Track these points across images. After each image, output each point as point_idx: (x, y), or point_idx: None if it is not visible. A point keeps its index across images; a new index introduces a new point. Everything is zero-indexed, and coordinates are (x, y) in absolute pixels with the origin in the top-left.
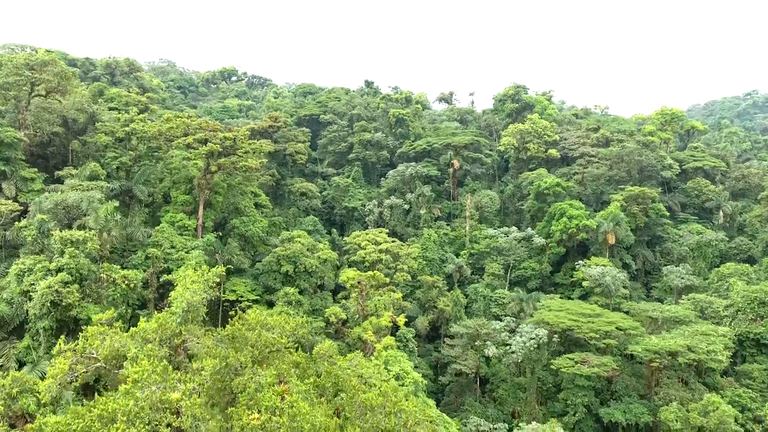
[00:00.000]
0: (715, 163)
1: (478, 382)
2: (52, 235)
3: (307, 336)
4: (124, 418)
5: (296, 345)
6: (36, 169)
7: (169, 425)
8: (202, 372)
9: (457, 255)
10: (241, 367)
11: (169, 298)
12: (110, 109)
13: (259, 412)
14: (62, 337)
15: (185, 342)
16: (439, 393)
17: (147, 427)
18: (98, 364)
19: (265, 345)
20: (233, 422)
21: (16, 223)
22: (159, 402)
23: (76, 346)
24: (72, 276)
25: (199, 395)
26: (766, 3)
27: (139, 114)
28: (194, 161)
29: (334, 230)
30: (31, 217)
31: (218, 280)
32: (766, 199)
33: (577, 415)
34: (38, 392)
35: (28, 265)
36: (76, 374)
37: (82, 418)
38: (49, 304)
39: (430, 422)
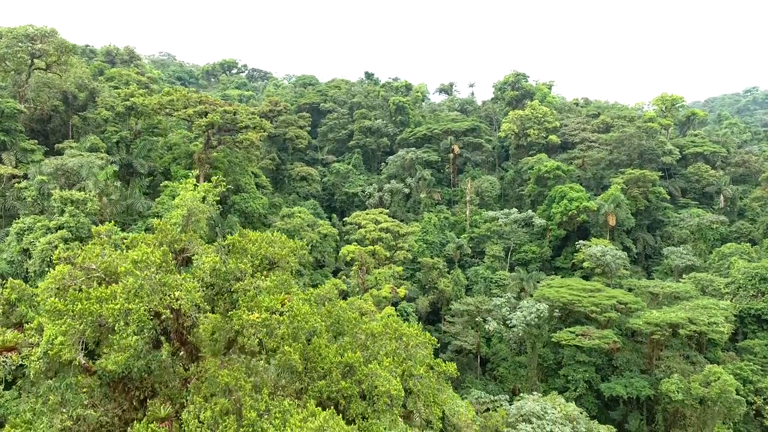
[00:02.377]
0: (716, 149)
1: (478, 361)
2: (52, 195)
3: (308, 259)
4: (124, 295)
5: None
6: (36, 141)
7: (168, 308)
8: (202, 267)
9: (458, 238)
10: (241, 273)
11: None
12: (111, 87)
13: (260, 313)
14: (61, 245)
15: (185, 248)
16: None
17: (146, 305)
18: (98, 275)
19: (266, 256)
20: (233, 321)
21: (16, 184)
22: (159, 284)
23: (75, 257)
24: (72, 234)
25: (199, 291)
26: (765, 1)
27: (139, 89)
28: (194, 139)
29: (334, 216)
30: (31, 179)
31: (218, 198)
32: (766, 181)
33: (578, 390)
34: (37, 302)
35: (28, 223)
36: (76, 280)
37: (80, 301)
38: (48, 261)
39: (431, 344)
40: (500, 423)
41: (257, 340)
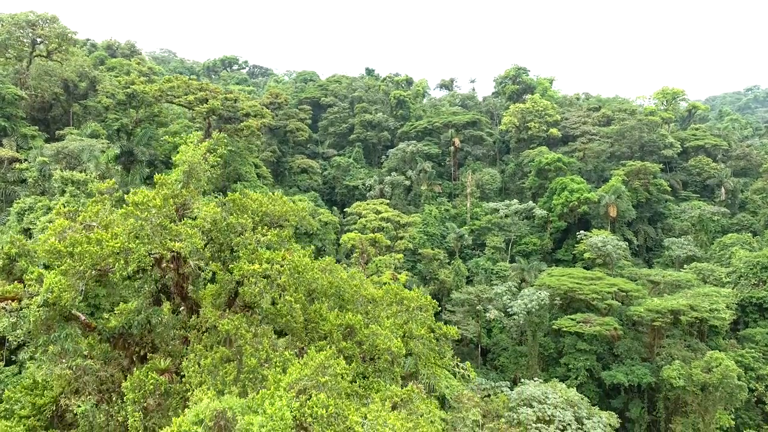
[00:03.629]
0: (717, 142)
1: (479, 350)
2: (53, 176)
3: (309, 221)
4: (124, 236)
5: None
6: (37, 127)
7: (169, 251)
8: (203, 216)
9: (459, 229)
10: (242, 228)
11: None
12: (112, 77)
13: (260, 265)
14: (61, 200)
15: (186, 204)
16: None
17: (146, 247)
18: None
19: (267, 213)
20: (234, 272)
21: (16, 164)
22: (159, 226)
23: (75, 214)
24: None
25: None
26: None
27: (140, 77)
28: (195, 128)
29: (335, 209)
30: (32, 161)
31: (220, 159)
32: (767, 173)
33: (579, 378)
34: (38, 257)
35: (29, 203)
36: (76, 234)
37: (80, 244)
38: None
39: (432, 307)
40: (501, 407)
41: (258, 289)
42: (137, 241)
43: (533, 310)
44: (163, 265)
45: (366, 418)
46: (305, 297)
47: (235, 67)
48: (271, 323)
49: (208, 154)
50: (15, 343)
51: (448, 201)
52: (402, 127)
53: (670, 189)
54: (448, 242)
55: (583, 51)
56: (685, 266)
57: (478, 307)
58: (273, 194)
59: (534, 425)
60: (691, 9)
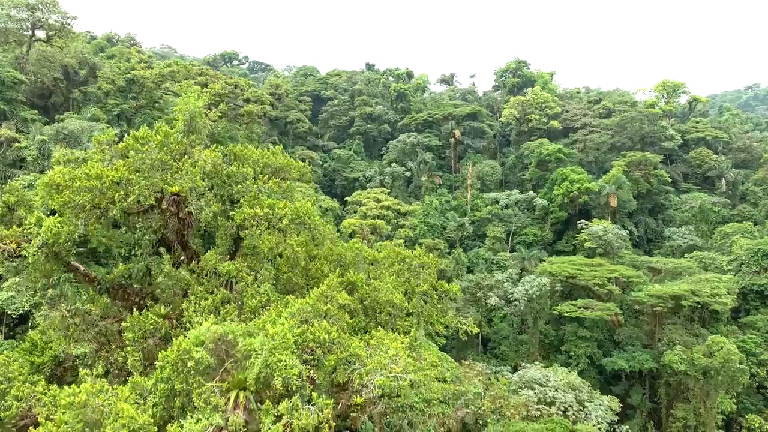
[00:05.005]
0: (718, 134)
1: (480, 339)
2: (52, 153)
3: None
4: (124, 168)
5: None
6: (36, 111)
7: (170, 186)
8: (204, 159)
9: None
10: (243, 177)
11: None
12: (112, 65)
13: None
14: (61, 149)
15: (187, 152)
16: (440, 349)
17: (147, 181)
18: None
19: (268, 164)
20: (235, 215)
21: (15, 143)
22: (160, 161)
23: (75, 163)
24: None
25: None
26: None
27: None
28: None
29: (335, 200)
30: (31, 139)
31: (220, 116)
32: None
33: (580, 365)
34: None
35: (28, 181)
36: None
37: (79, 179)
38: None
39: (435, 266)
40: (503, 389)
41: (259, 232)
42: (137, 175)
43: (534, 296)
44: (164, 206)
45: (369, 344)
46: (306, 252)
47: (235, 62)
48: (273, 269)
49: (208, 110)
50: (14, 316)
51: (449, 192)
52: (402, 120)
53: (670, 181)
54: (448, 233)
55: (583, 48)
56: (685, 255)
57: (478, 295)
58: (272, 148)
59: (535, 406)
60: (691, 7)
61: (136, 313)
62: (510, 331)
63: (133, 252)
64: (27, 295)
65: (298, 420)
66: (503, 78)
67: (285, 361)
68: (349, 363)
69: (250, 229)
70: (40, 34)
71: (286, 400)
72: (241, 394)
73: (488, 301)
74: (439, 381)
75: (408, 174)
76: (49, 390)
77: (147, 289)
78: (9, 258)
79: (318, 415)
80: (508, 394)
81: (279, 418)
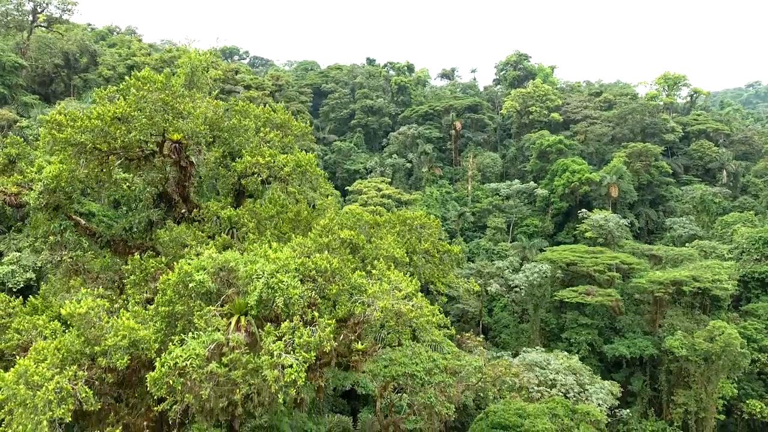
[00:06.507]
0: (719, 127)
1: (480, 328)
2: None
3: (310, 139)
4: (126, 106)
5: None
6: (37, 96)
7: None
8: (205, 106)
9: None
10: (244, 129)
11: None
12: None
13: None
14: (62, 103)
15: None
16: None
17: (147, 120)
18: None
19: (269, 119)
20: (236, 165)
21: (17, 123)
22: (162, 101)
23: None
24: None
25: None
26: None
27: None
28: None
29: (337, 192)
30: (33, 120)
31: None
32: None
33: (580, 352)
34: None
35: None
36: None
37: (80, 119)
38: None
39: (437, 227)
40: (503, 371)
41: (261, 179)
42: (139, 113)
43: (535, 282)
44: (165, 152)
45: (370, 275)
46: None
47: (236, 57)
48: (276, 217)
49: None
50: (15, 290)
51: (449, 184)
52: (403, 113)
53: (671, 172)
54: (449, 223)
55: (583, 45)
56: (687, 245)
57: (479, 282)
58: (273, 104)
59: (536, 388)
60: (692, 4)
61: (137, 255)
62: (510, 320)
63: (134, 206)
64: (29, 241)
65: (299, 339)
66: (504, 71)
67: (287, 282)
68: (351, 295)
69: (252, 177)
70: (41, 18)
71: (287, 320)
72: (243, 319)
73: (489, 289)
74: (440, 327)
75: (409, 165)
76: (49, 324)
77: (148, 243)
78: (11, 206)
79: (320, 334)
80: (510, 373)
81: (280, 338)
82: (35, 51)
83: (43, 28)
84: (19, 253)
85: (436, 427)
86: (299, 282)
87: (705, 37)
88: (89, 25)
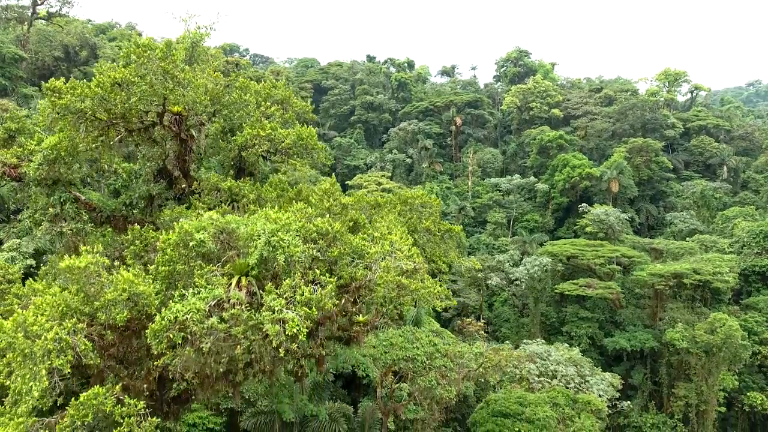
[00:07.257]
0: (719, 123)
1: (481, 321)
2: None
3: (311, 118)
4: (126, 72)
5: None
6: (37, 88)
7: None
8: (206, 77)
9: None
10: (244, 104)
11: None
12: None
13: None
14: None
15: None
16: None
17: (151, 89)
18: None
19: (270, 95)
20: (237, 138)
21: (18, 112)
22: (162, 70)
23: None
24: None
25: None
26: None
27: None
28: None
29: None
30: (33, 109)
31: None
32: None
33: (581, 346)
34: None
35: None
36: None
37: (79, 87)
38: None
39: (437, 206)
40: (504, 362)
41: (261, 150)
42: (140, 80)
43: (535, 275)
44: (165, 123)
45: (372, 237)
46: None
47: (236, 55)
48: (277, 200)
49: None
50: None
51: (450, 180)
52: (403, 109)
53: (672, 168)
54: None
55: (582, 43)
56: (687, 239)
57: (479, 275)
58: (274, 80)
59: (537, 379)
60: (692, 4)
61: (137, 226)
62: (511, 313)
63: (133, 182)
64: (29, 213)
65: (300, 296)
66: (504, 68)
67: (288, 240)
68: (353, 260)
69: (253, 149)
70: (41, 10)
71: (288, 279)
72: (243, 279)
73: (489, 282)
74: (443, 298)
75: (409, 161)
76: (48, 289)
77: (148, 219)
78: (10, 177)
79: (320, 291)
80: (511, 360)
81: (281, 296)
82: (35, 44)
83: (43, 22)
84: (19, 240)
85: (437, 417)
86: (301, 242)
87: (705, 36)
88: (89, 20)
